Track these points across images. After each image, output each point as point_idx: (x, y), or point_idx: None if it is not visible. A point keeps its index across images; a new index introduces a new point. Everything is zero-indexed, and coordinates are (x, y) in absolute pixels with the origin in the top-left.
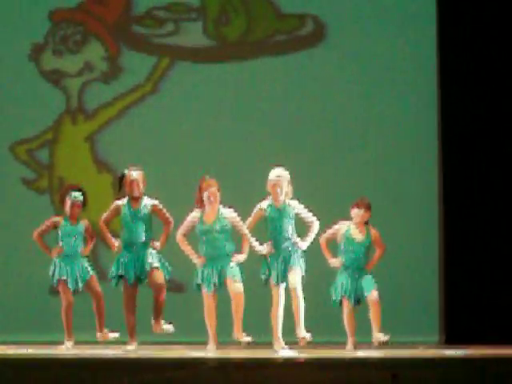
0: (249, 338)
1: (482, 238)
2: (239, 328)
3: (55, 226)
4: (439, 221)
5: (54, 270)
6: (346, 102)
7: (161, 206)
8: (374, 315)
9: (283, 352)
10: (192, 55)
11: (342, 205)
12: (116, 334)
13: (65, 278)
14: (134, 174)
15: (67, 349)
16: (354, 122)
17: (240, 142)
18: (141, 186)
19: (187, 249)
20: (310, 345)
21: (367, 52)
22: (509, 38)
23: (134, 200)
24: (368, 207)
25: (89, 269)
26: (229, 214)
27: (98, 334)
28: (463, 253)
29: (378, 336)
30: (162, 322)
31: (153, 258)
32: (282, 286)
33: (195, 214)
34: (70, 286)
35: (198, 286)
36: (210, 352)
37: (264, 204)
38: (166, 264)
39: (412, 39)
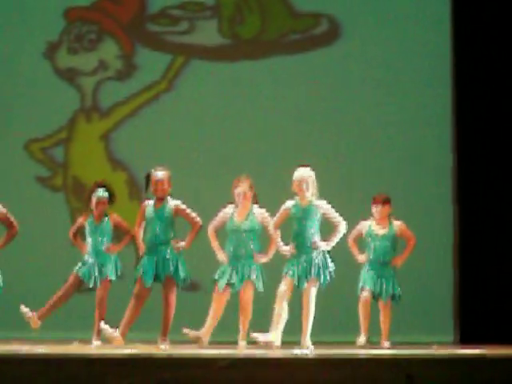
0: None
1: (496, 237)
2: (244, 338)
3: (83, 224)
4: (454, 220)
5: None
6: (360, 100)
7: (184, 207)
8: (382, 323)
9: (298, 351)
10: (206, 53)
11: (357, 204)
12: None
13: (80, 272)
14: (159, 174)
15: (28, 316)
16: (369, 121)
17: (254, 141)
18: (165, 186)
19: (214, 244)
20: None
21: (382, 51)
22: None
23: (159, 200)
24: (385, 202)
25: (107, 272)
26: (260, 213)
27: (94, 342)
28: (478, 252)
29: (383, 343)
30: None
31: (171, 262)
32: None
33: (227, 210)
34: (87, 281)
35: (214, 282)
36: (202, 336)
37: (289, 203)
38: (182, 269)
39: (427, 37)
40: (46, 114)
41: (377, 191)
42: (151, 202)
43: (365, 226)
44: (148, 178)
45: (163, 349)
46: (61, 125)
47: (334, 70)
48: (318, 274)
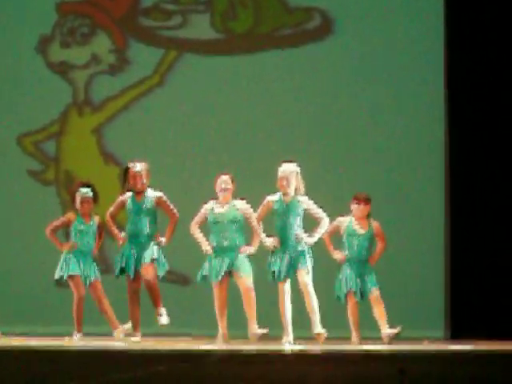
0: (264, 330)
1: (487, 233)
2: (254, 322)
3: (69, 223)
4: (445, 216)
5: (64, 265)
6: (352, 96)
7: (165, 199)
8: (378, 313)
9: (289, 346)
10: (199, 48)
11: (348, 201)
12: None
13: (78, 272)
14: (138, 167)
15: (76, 340)
16: (361, 117)
17: (247, 135)
18: (144, 179)
19: (198, 236)
20: (327, 340)
21: (374, 46)
22: None
23: (138, 193)
24: (367, 201)
25: (96, 271)
26: (241, 205)
27: (116, 332)
28: (469, 248)
29: (388, 332)
30: (161, 312)
31: (152, 252)
32: (287, 281)
33: (207, 206)
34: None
35: (204, 277)
36: (219, 344)
37: (272, 197)
38: (163, 260)
39: (420, 32)
40: (38, 107)
41: (368, 188)
42: (130, 195)
43: (343, 223)
44: (126, 172)
45: (135, 341)
46: (53, 119)
47: (326, 65)
48: (306, 264)
